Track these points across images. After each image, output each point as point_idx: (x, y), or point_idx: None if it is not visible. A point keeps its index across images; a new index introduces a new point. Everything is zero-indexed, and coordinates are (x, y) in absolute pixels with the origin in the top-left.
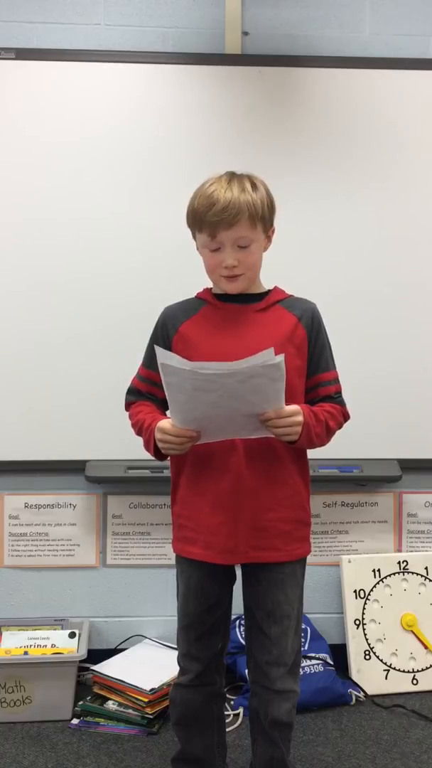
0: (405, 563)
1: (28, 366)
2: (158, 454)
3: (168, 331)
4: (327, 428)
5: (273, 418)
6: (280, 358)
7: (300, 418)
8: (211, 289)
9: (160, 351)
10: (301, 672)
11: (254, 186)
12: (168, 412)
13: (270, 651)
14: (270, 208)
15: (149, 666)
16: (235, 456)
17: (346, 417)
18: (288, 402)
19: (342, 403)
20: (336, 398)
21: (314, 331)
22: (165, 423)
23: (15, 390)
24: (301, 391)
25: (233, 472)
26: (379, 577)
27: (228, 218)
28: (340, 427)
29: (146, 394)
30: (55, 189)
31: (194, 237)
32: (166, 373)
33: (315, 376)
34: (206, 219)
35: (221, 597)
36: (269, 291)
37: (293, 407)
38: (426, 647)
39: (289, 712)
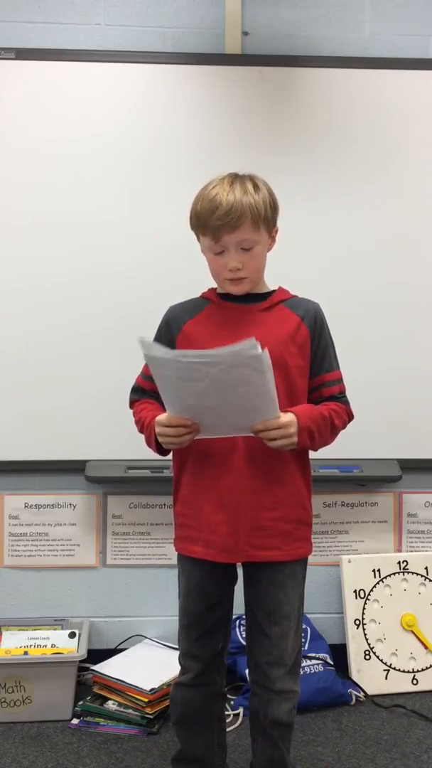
0: (405, 563)
1: (28, 366)
2: (160, 449)
3: (172, 330)
4: (332, 426)
5: (262, 430)
6: (261, 351)
7: (293, 429)
8: (215, 289)
9: (143, 343)
10: (301, 672)
11: (256, 187)
12: None
13: (270, 651)
14: (272, 208)
15: (149, 666)
16: (236, 454)
17: (350, 416)
18: (291, 402)
19: (346, 403)
20: (340, 398)
21: (317, 331)
22: (162, 416)
23: (15, 390)
24: (304, 391)
25: (234, 471)
26: (379, 577)
27: (231, 221)
28: (344, 426)
29: (149, 392)
30: (55, 189)
31: (198, 240)
32: (152, 365)
33: (319, 376)
34: (209, 223)
35: (222, 596)
36: (273, 291)
37: (286, 418)
38: (426, 647)
39: (289, 712)
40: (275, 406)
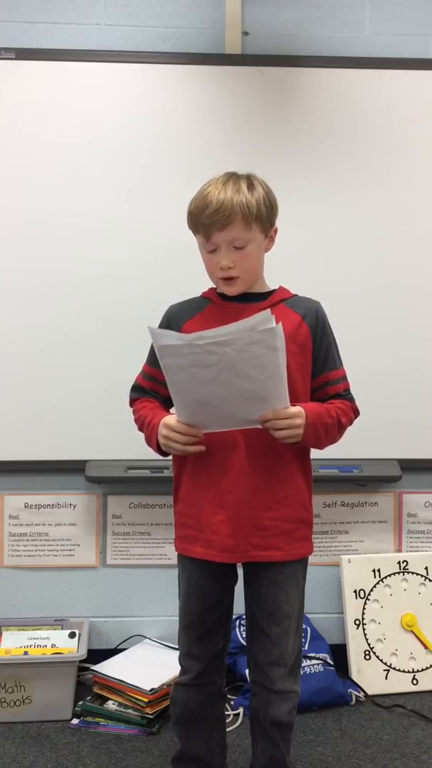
0: (405, 563)
1: (28, 366)
2: (161, 449)
3: (172, 328)
4: (339, 425)
5: (271, 419)
6: (276, 324)
7: (300, 421)
8: (216, 288)
9: (154, 332)
10: (301, 672)
11: (251, 186)
12: (172, 410)
13: (270, 651)
14: (268, 208)
15: (149, 666)
16: (237, 454)
17: (356, 413)
18: (293, 400)
19: (352, 400)
20: (345, 395)
21: (318, 330)
22: (171, 419)
23: (15, 390)
24: (305, 390)
25: (235, 471)
26: (379, 577)
27: (220, 219)
28: (351, 423)
29: (150, 391)
30: (55, 189)
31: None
32: (163, 354)
33: (322, 375)
34: (200, 221)
35: (222, 597)
36: (273, 290)
37: (295, 409)
38: (426, 647)
39: (289, 712)
40: (285, 394)
